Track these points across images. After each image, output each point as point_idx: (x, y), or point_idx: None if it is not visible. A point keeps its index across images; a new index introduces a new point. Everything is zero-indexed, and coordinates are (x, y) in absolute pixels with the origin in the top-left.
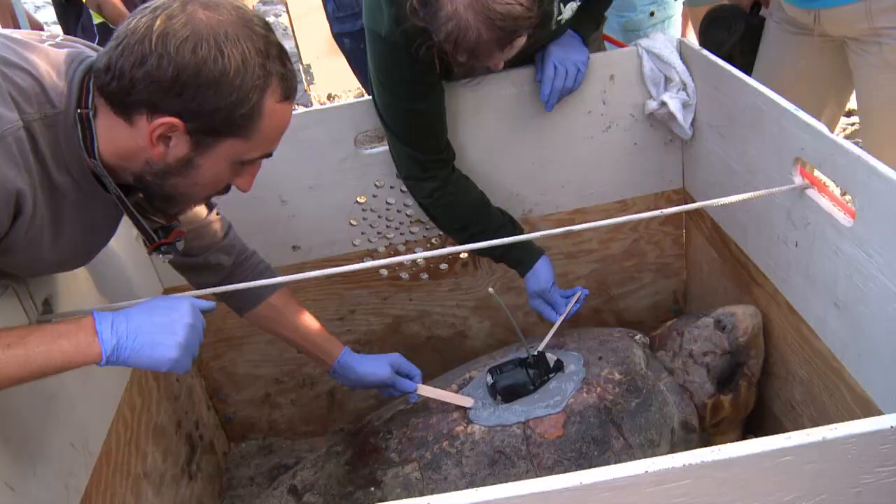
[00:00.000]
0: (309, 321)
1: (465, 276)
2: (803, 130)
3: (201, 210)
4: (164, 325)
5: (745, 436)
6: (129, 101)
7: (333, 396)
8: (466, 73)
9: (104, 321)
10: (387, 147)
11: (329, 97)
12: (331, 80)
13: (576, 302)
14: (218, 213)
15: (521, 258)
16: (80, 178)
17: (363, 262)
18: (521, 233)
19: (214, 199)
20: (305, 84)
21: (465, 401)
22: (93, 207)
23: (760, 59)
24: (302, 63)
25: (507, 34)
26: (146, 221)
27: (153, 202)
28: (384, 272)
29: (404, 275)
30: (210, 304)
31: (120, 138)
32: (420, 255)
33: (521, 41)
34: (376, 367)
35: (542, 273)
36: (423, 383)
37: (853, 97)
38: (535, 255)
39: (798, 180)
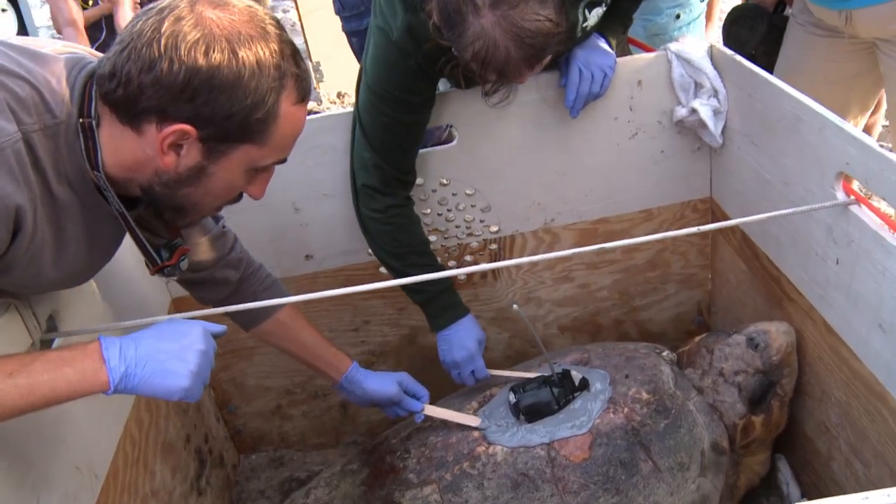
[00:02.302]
0: (316, 336)
1: (483, 287)
2: (849, 143)
3: (207, 223)
4: (175, 351)
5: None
6: (136, 109)
7: (346, 408)
8: (492, 91)
9: (112, 347)
10: None
11: (339, 95)
12: (341, 77)
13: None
14: (224, 227)
15: (440, 311)
16: (82, 191)
17: (379, 271)
18: (451, 284)
19: (223, 210)
20: (315, 82)
21: (471, 420)
22: (96, 221)
23: (781, 61)
24: (311, 60)
25: (536, 52)
26: (147, 238)
27: (162, 214)
28: None
29: None
30: (222, 327)
31: (126, 148)
32: (432, 276)
33: (549, 58)
34: (384, 384)
35: (474, 328)
36: (442, 398)
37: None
38: (462, 311)
39: (841, 196)
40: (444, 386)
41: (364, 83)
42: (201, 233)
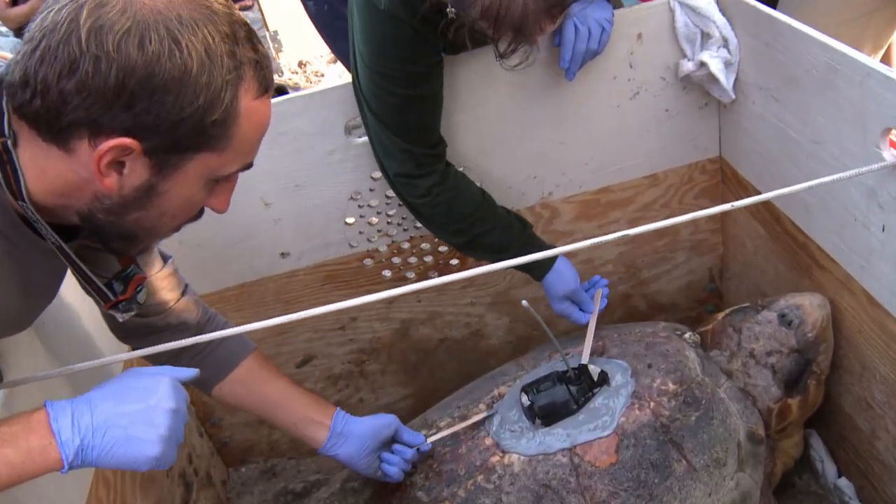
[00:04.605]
0: (292, 382)
1: None
2: None
3: (155, 260)
4: (140, 413)
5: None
6: (61, 123)
7: None
8: (509, 52)
9: (62, 416)
10: None
11: (300, 64)
12: (301, 45)
13: (602, 296)
14: (174, 265)
15: (537, 262)
16: (6, 225)
17: (363, 263)
18: (530, 228)
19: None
20: (274, 52)
21: (481, 416)
22: (28, 260)
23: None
24: (268, 30)
25: (558, 1)
26: (94, 273)
27: (109, 243)
28: (388, 273)
29: (410, 274)
30: (192, 371)
31: (54, 171)
32: (438, 281)
33: (569, 8)
34: (377, 416)
35: (566, 273)
36: (443, 398)
37: None
38: (549, 262)
39: (889, 156)
40: (444, 376)
41: (361, 66)
42: (150, 269)
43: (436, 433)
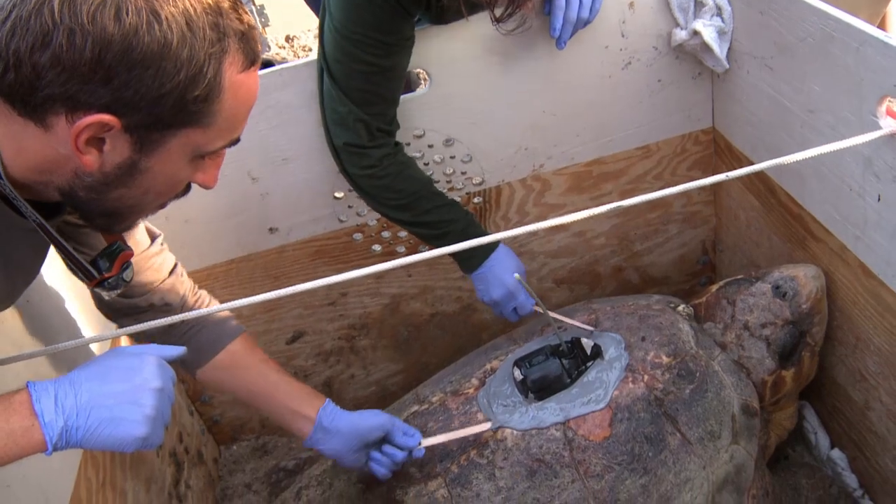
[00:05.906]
0: (281, 369)
1: None
2: None
3: (141, 238)
4: (125, 393)
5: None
6: (36, 98)
7: (331, 386)
8: (505, 16)
9: (45, 397)
10: None
11: (287, 39)
12: (288, 18)
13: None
14: (162, 244)
15: (472, 251)
16: None
17: (353, 238)
18: (476, 225)
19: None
20: (261, 26)
21: (481, 427)
22: (8, 238)
23: None
24: (255, 4)
25: None
26: (79, 251)
27: (92, 220)
28: (378, 248)
29: (400, 248)
30: (178, 349)
31: (32, 147)
32: (428, 255)
33: None
34: (369, 413)
35: (510, 253)
36: (435, 373)
37: None
38: (492, 244)
39: (886, 124)
40: (436, 351)
41: (330, 29)
42: (136, 248)
43: (431, 439)
